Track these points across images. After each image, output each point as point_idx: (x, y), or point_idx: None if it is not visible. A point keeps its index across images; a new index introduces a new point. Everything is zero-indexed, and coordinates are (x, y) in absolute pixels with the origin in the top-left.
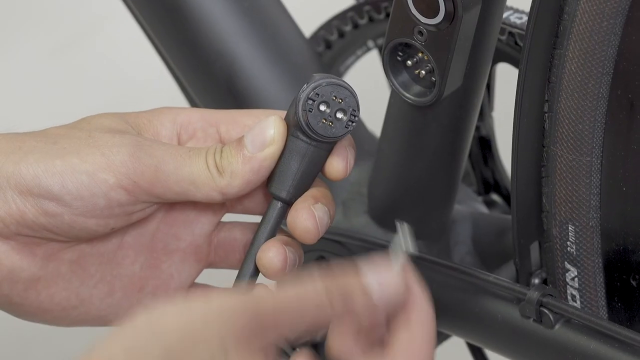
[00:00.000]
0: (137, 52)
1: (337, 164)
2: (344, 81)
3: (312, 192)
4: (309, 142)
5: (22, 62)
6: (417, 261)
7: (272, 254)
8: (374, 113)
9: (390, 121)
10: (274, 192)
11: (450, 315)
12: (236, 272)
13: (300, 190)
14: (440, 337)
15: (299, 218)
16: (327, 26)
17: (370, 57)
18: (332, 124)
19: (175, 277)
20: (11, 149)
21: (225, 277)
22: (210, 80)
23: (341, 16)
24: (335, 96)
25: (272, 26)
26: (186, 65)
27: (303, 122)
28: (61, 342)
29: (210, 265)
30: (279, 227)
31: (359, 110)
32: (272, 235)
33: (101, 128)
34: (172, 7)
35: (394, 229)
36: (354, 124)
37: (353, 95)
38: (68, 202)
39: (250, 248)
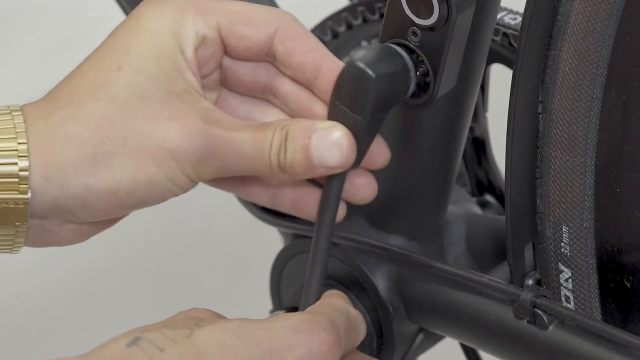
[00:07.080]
0: None
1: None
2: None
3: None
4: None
5: (17, 63)
6: (410, 262)
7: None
8: None
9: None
10: None
11: (444, 316)
12: None
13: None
14: (434, 338)
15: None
16: (321, 27)
17: None
18: None
19: None
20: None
21: None
22: None
23: (335, 17)
24: None
25: None
26: None
27: None
28: (60, 343)
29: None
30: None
31: None
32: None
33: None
34: None
35: (389, 230)
36: None
37: None
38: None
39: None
